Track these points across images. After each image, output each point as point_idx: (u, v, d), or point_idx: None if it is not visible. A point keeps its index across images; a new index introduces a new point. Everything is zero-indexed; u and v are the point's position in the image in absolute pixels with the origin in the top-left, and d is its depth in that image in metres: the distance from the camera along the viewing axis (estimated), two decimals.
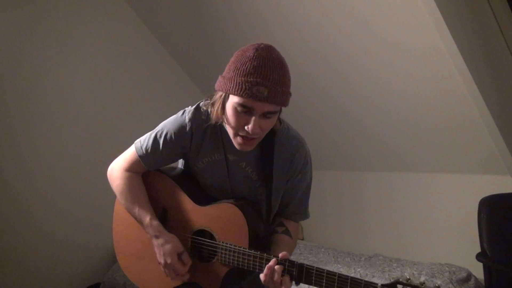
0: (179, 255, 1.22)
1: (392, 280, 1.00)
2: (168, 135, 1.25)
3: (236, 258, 1.18)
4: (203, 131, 1.24)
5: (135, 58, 3.35)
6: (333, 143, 3.04)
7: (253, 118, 1.07)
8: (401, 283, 0.98)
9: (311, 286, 1.10)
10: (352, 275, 2.29)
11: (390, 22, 2.09)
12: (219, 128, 1.24)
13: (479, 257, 1.98)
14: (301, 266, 1.08)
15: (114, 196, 1.38)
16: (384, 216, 2.90)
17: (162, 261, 1.23)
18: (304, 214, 1.34)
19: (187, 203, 1.28)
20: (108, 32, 3.21)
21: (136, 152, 1.29)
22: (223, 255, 1.20)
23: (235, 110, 1.08)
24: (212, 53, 3.11)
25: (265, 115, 1.08)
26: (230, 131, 1.15)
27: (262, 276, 1.10)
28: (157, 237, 1.24)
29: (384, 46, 2.20)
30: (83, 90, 3.06)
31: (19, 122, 2.80)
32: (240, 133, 1.11)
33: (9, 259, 2.71)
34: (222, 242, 1.20)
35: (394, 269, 2.26)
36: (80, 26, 3.06)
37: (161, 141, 1.26)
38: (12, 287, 2.71)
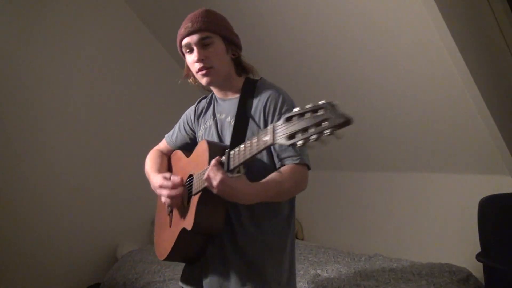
0: (166, 177, 1.34)
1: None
2: (183, 116, 1.61)
3: (200, 182, 1.22)
4: (204, 107, 1.52)
5: (135, 59, 3.35)
6: (334, 143, 3.04)
7: (194, 51, 1.33)
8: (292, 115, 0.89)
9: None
10: (352, 275, 2.30)
11: (390, 23, 2.09)
12: (212, 97, 1.50)
13: (479, 257, 1.97)
14: (227, 152, 1.15)
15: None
16: (384, 216, 2.90)
17: (156, 190, 1.37)
18: (298, 156, 1.25)
19: (183, 159, 1.49)
20: (108, 32, 3.21)
21: (165, 136, 1.65)
22: (195, 186, 1.27)
23: (186, 55, 1.38)
24: None
25: (203, 44, 1.31)
26: (195, 75, 1.38)
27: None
28: (151, 180, 1.43)
29: (384, 45, 2.20)
30: (82, 90, 3.07)
31: (20, 123, 2.81)
32: (197, 68, 1.33)
33: (9, 259, 2.72)
34: (194, 176, 1.30)
35: (394, 269, 2.26)
36: (79, 26, 3.07)
37: (179, 122, 1.61)
38: (12, 287, 2.71)
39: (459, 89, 2.07)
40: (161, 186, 1.33)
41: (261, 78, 1.43)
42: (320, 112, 0.83)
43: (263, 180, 1.17)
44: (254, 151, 1.01)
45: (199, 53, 1.31)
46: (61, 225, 2.92)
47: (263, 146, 0.98)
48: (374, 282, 2.12)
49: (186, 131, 1.58)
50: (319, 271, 2.33)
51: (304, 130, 0.84)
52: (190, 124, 1.56)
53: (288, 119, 0.88)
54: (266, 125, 1.28)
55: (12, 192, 2.76)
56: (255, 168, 1.25)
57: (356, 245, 2.94)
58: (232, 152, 1.12)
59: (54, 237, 2.89)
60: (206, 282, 1.34)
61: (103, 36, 3.19)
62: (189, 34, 1.31)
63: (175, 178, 1.31)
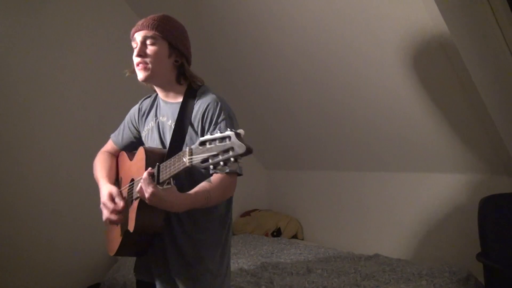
0: (112, 197, 1.35)
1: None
2: (127, 115, 1.63)
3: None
4: (148, 107, 1.55)
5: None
6: (334, 143, 3.04)
7: (137, 46, 1.38)
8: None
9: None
10: (352, 275, 2.29)
11: (389, 23, 2.09)
12: (156, 98, 1.53)
13: (479, 257, 1.98)
14: (157, 166, 1.20)
15: None
16: (384, 216, 2.90)
17: (101, 204, 1.37)
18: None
19: (127, 163, 1.51)
20: (108, 32, 3.21)
21: (111, 136, 1.67)
22: (135, 191, 1.28)
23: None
24: (212, 54, 3.11)
25: (145, 42, 1.38)
26: (135, 69, 1.41)
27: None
28: (100, 189, 1.43)
29: (383, 47, 2.20)
30: (82, 90, 3.06)
31: (18, 123, 2.80)
32: (135, 62, 1.39)
33: (9, 259, 2.71)
34: (134, 181, 1.36)
35: (394, 269, 2.26)
36: (78, 25, 3.06)
37: (124, 121, 1.63)
38: (12, 287, 2.71)
39: (459, 89, 2.07)
40: (104, 204, 1.36)
41: (203, 85, 1.47)
42: (226, 141, 0.97)
43: (193, 190, 1.25)
44: (177, 169, 1.10)
45: (140, 48, 1.37)
46: (61, 225, 2.91)
47: (182, 167, 1.08)
48: (374, 282, 2.12)
49: (131, 131, 1.60)
50: (319, 271, 2.33)
51: (215, 156, 0.98)
52: (134, 123, 1.59)
53: (202, 143, 1.01)
54: (203, 133, 1.36)
55: (12, 192, 2.76)
56: (196, 174, 1.35)
57: (356, 245, 2.94)
58: (162, 165, 1.19)
59: (54, 237, 2.89)
60: (156, 275, 1.44)
61: (102, 35, 3.18)
62: (139, 29, 1.39)
63: (118, 204, 1.33)
